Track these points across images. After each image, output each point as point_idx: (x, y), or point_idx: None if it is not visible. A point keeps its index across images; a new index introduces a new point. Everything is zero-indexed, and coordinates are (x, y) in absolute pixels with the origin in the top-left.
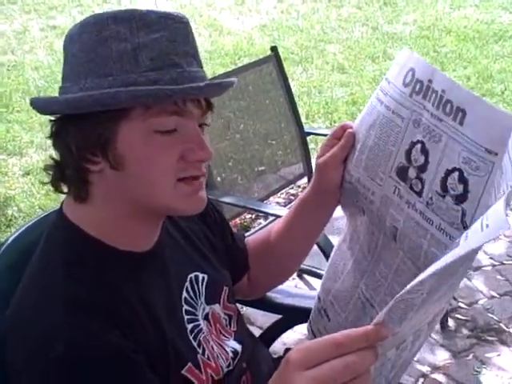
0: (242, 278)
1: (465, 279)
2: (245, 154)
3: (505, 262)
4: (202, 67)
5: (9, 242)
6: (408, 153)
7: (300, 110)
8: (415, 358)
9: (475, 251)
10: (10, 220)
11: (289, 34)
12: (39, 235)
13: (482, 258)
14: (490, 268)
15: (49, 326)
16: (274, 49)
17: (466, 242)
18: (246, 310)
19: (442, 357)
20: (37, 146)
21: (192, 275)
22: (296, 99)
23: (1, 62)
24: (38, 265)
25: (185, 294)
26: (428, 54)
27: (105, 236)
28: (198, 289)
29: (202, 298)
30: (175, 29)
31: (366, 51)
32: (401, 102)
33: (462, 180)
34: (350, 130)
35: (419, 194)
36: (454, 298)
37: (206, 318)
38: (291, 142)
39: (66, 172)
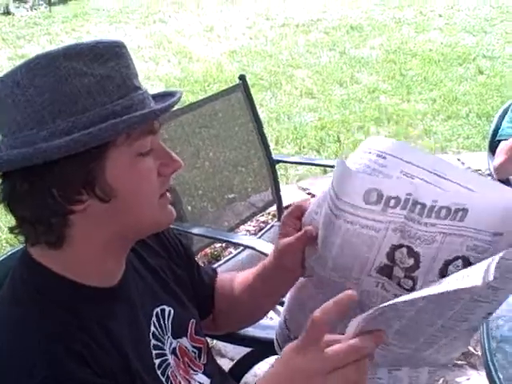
0: (208, 314)
1: None
2: (214, 181)
3: None
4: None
5: None
6: (390, 255)
7: (269, 135)
8: None
9: (459, 296)
10: None
11: (258, 60)
12: (5, 275)
13: None
14: None
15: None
16: (242, 77)
17: (447, 284)
18: (217, 342)
19: None
20: None
21: (158, 309)
22: (265, 125)
23: None
24: (6, 309)
25: (152, 329)
26: (394, 78)
27: (74, 274)
28: (165, 323)
29: (169, 333)
30: (122, 54)
31: (334, 76)
32: (371, 217)
33: (468, 265)
34: (307, 228)
35: (410, 290)
36: None
37: (173, 352)
38: (260, 169)
39: (43, 223)
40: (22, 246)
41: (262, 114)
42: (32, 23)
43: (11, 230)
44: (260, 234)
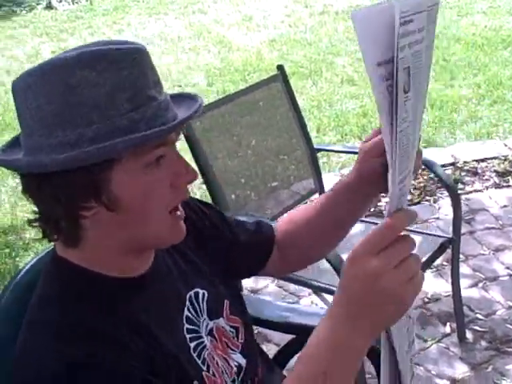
0: (264, 265)
1: (482, 290)
2: (257, 170)
3: None
4: (162, 89)
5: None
6: None
7: (311, 123)
8: (434, 372)
9: None
10: (28, 244)
11: (297, 48)
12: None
13: (498, 269)
14: (507, 278)
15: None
16: (280, 67)
17: None
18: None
19: (460, 370)
20: None
21: (192, 293)
22: (306, 113)
23: None
24: (37, 305)
25: (186, 313)
26: (438, 63)
27: (97, 267)
28: (199, 306)
29: (205, 315)
30: (140, 62)
31: None
32: None
33: None
34: None
35: None
36: (471, 309)
37: (209, 333)
38: (302, 158)
39: (56, 222)
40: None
41: (303, 102)
42: (74, 17)
43: (29, 222)
44: None
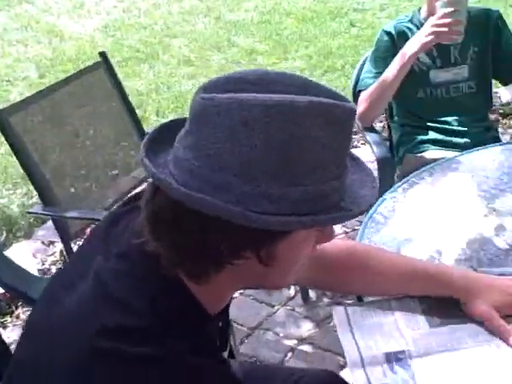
0: None
1: None
2: (97, 160)
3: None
4: None
5: None
6: None
7: (149, 107)
8: (282, 334)
9: None
10: None
11: (132, 33)
12: None
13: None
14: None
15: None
16: (102, 54)
17: None
18: None
19: (306, 328)
20: None
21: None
22: (145, 97)
23: None
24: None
25: None
26: (271, 38)
27: (207, 303)
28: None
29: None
30: (353, 124)
31: (211, 41)
32: None
33: None
34: None
35: None
36: None
37: None
38: (139, 142)
39: (196, 259)
40: None
41: (141, 87)
42: None
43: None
44: None
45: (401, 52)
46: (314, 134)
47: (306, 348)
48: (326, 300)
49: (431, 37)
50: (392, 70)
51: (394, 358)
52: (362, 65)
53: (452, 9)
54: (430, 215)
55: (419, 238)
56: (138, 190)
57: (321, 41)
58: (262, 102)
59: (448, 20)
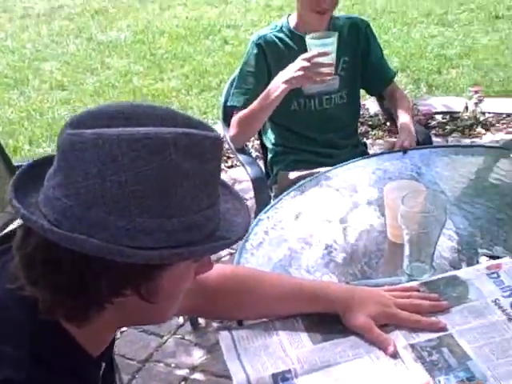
0: None
1: None
2: None
3: None
4: None
5: None
6: None
7: (21, 137)
8: (173, 364)
9: None
10: None
11: None
12: None
13: None
14: None
15: None
16: None
17: None
18: None
19: (197, 355)
20: None
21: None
22: (16, 126)
23: None
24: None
25: None
26: (145, 58)
27: (87, 344)
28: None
29: None
30: (220, 153)
31: (84, 64)
32: None
33: None
34: None
35: None
36: None
37: None
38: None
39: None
40: None
41: (12, 115)
42: None
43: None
44: None
45: (267, 89)
46: (181, 166)
47: (199, 376)
48: (215, 325)
49: (300, 72)
50: (258, 105)
51: (280, 379)
52: (233, 80)
53: (326, 49)
54: (303, 232)
55: (294, 256)
56: (13, 226)
57: (196, 59)
58: (130, 136)
59: (321, 59)
